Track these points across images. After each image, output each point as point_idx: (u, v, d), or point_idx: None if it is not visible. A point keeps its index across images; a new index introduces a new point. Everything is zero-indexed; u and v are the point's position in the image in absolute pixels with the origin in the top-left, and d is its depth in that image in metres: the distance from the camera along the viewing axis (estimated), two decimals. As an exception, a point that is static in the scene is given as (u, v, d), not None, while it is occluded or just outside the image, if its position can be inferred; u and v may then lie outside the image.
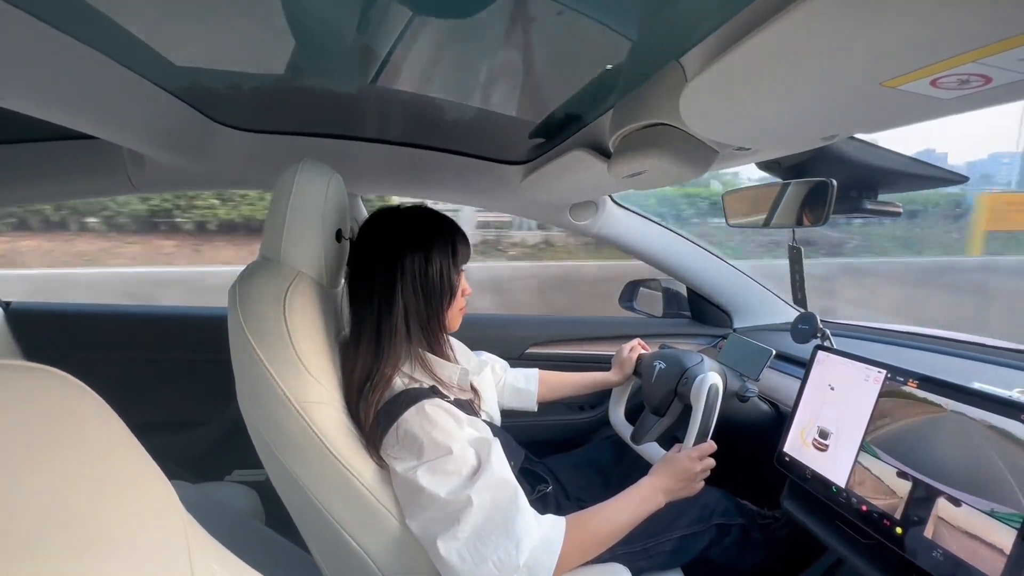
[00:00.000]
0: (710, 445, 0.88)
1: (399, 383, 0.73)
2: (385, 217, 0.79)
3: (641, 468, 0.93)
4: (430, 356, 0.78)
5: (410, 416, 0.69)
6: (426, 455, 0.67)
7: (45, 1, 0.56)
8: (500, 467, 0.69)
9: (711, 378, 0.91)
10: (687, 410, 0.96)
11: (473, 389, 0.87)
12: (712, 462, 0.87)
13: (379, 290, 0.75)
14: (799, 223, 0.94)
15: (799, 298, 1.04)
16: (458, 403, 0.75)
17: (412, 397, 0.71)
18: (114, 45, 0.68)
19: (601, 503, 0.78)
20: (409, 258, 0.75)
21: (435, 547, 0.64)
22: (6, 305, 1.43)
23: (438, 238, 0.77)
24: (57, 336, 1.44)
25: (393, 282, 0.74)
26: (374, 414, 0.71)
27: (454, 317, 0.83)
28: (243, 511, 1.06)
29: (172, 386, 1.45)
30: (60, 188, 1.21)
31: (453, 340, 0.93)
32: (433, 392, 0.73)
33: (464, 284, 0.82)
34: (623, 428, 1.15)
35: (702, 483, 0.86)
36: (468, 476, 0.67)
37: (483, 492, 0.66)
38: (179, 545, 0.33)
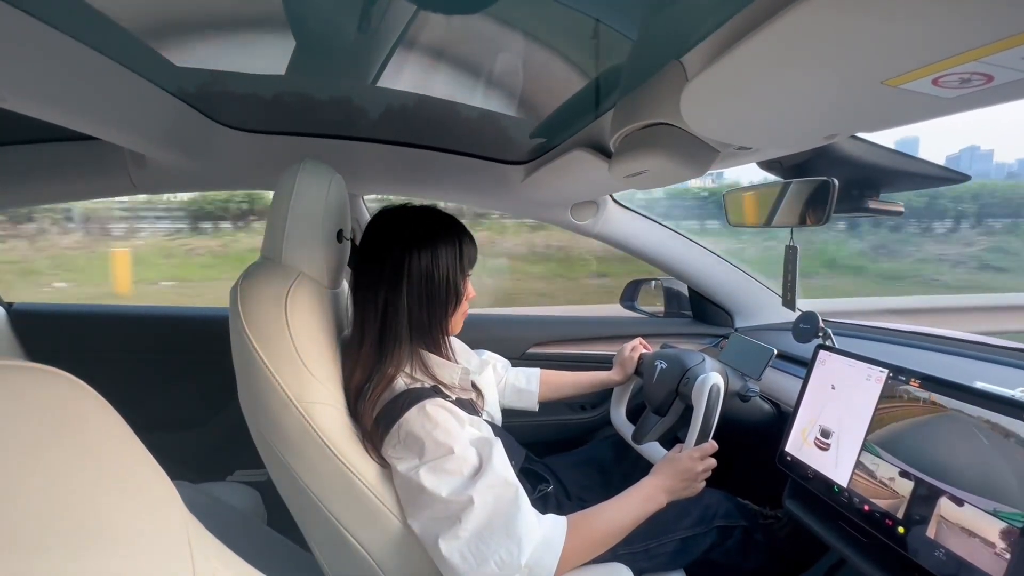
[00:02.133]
0: (711, 445, 0.88)
1: (400, 383, 0.73)
2: (392, 216, 0.78)
3: (642, 468, 0.93)
4: (431, 356, 0.78)
5: (412, 416, 0.69)
6: (428, 455, 0.67)
7: (46, 2, 0.56)
8: (502, 467, 0.69)
9: (712, 378, 0.91)
10: (688, 410, 0.96)
11: (475, 388, 0.87)
12: (713, 462, 0.87)
13: (384, 291, 0.74)
14: (800, 223, 0.93)
15: (788, 299, 1.03)
16: (459, 403, 0.75)
17: (414, 397, 0.71)
18: (115, 46, 0.68)
19: (602, 503, 0.78)
20: (416, 260, 0.74)
21: (437, 547, 0.64)
22: (8, 306, 1.44)
23: (446, 240, 0.76)
24: (59, 336, 1.45)
25: (399, 284, 0.74)
26: (375, 414, 0.71)
27: (456, 322, 0.82)
28: (245, 511, 1.07)
29: (174, 386, 1.45)
30: (61, 189, 1.21)
31: (454, 340, 0.93)
32: (435, 392, 0.73)
33: (469, 289, 0.82)
34: (624, 428, 1.15)
35: (704, 483, 0.86)
36: (470, 476, 0.67)
37: (485, 492, 0.66)
38: (181, 545, 0.33)
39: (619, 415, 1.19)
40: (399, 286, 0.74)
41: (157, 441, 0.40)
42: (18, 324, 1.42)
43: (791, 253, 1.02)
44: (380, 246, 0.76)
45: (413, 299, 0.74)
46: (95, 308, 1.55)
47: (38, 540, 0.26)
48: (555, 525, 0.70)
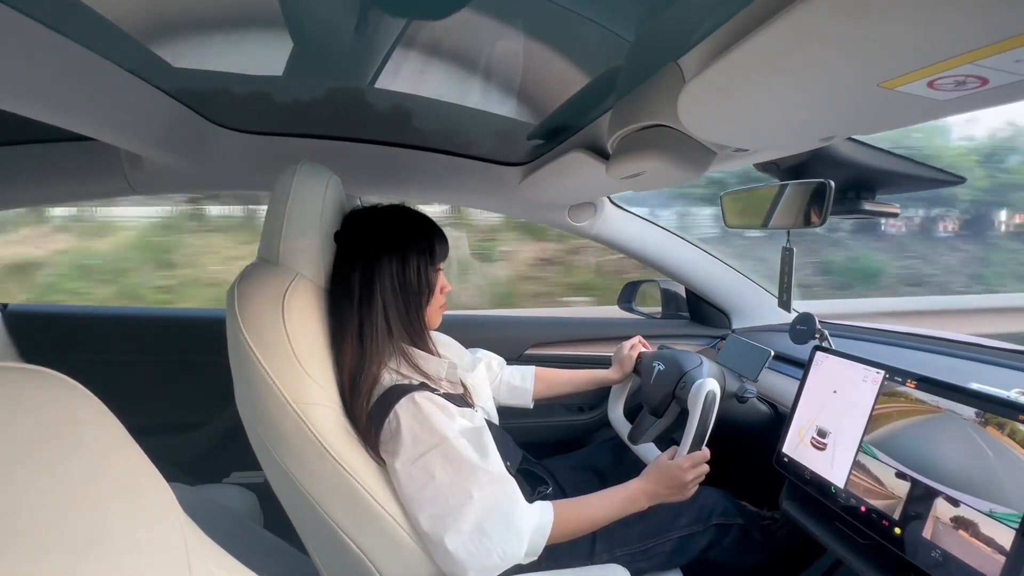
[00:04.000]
0: (703, 453, 0.87)
1: (387, 379, 0.74)
2: (362, 218, 0.80)
3: (639, 472, 0.93)
4: (414, 351, 0.79)
5: (401, 409, 0.70)
6: (420, 447, 0.68)
7: (42, 3, 0.56)
8: (495, 460, 0.71)
9: (708, 384, 0.90)
10: (685, 413, 0.96)
11: (463, 385, 0.87)
12: (706, 469, 0.87)
13: (359, 291, 0.75)
14: (797, 224, 0.94)
15: (784, 300, 1.03)
16: (448, 397, 0.76)
17: (402, 391, 0.71)
18: (111, 47, 0.68)
19: (587, 495, 0.81)
20: (386, 259, 0.76)
21: (442, 543, 0.65)
22: (3, 307, 1.43)
23: (415, 238, 0.78)
24: (55, 338, 1.44)
25: (371, 283, 0.75)
26: (367, 412, 0.71)
27: (434, 314, 0.83)
28: (241, 513, 1.06)
29: (170, 388, 1.44)
30: (58, 190, 1.21)
31: (446, 337, 0.94)
32: (422, 387, 0.74)
33: (443, 281, 0.83)
34: (621, 426, 1.15)
35: (695, 489, 0.86)
36: (465, 468, 0.68)
37: (484, 487, 0.67)
38: (177, 547, 0.33)
39: (617, 413, 1.19)
40: (372, 285, 0.75)
41: (153, 443, 0.39)
42: (13, 325, 1.41)
43: (787, 255, 1.02)
44: (352, 248, 0.78)
45: (387, 295, 0.76)
46: (90, 309, 1.54)
47: (33, 543, 0.26)
48: (543, 511, 0.75)
